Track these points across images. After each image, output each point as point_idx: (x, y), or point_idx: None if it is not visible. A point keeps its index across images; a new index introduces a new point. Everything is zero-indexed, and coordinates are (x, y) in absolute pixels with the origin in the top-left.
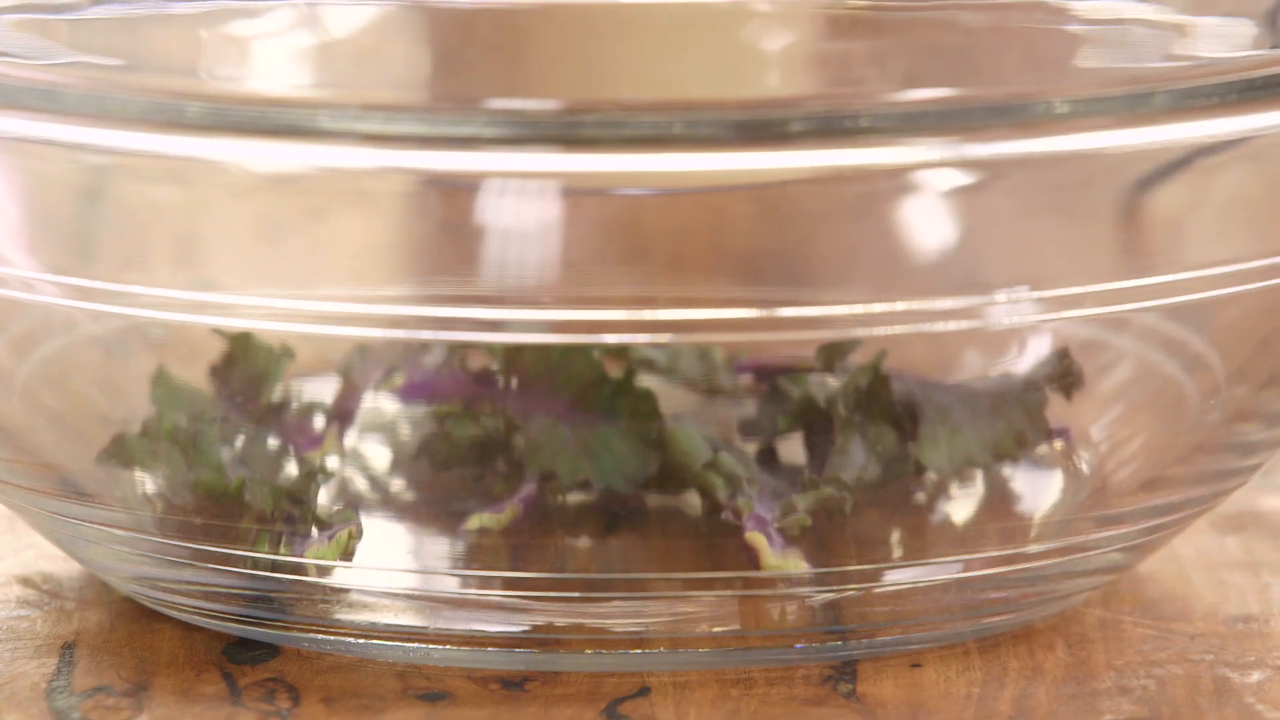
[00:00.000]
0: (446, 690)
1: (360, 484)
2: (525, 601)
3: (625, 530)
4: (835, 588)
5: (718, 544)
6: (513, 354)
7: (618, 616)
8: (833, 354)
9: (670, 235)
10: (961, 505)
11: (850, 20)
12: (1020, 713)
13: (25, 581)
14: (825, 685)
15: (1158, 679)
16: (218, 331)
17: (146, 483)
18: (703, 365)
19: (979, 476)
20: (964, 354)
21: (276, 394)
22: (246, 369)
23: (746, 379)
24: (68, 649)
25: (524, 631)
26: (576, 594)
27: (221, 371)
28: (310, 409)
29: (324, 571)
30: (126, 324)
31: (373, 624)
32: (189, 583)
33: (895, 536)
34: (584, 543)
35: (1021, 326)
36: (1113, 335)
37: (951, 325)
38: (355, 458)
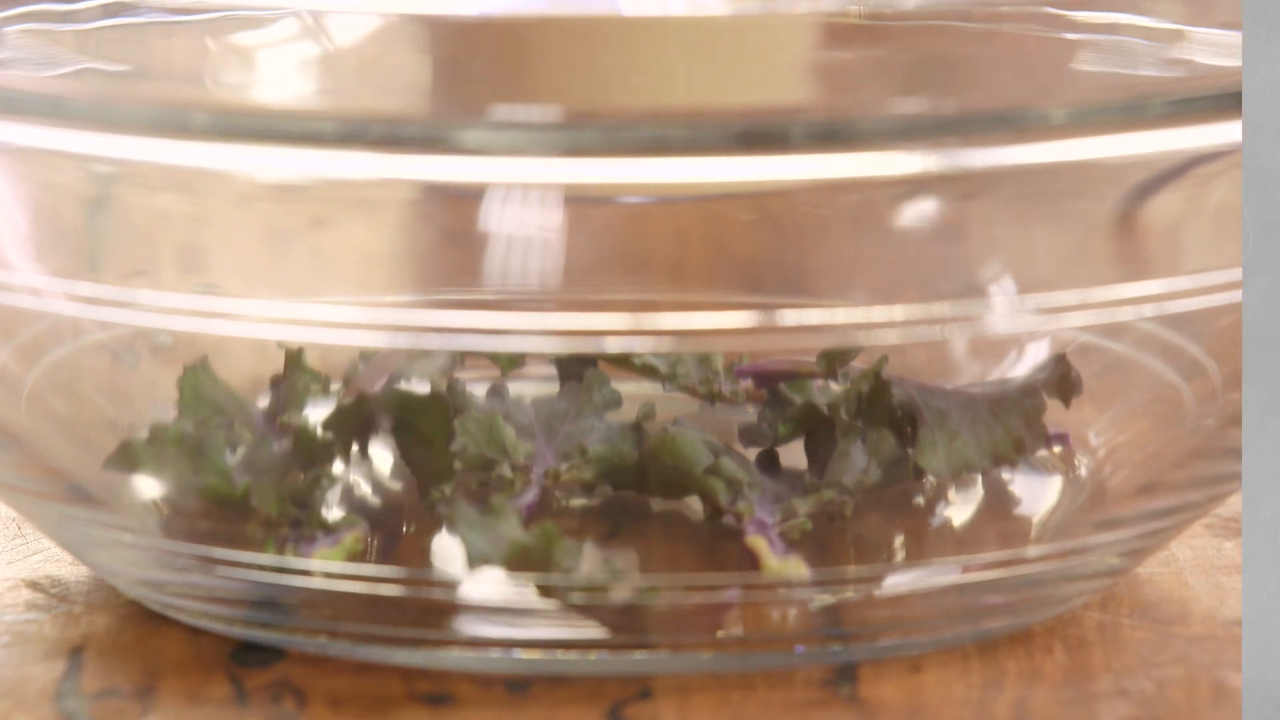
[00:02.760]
0: (451, 693)
1: (365, 489)
2: (529, 605)
3: (627, 534)
4: (836, 591)
5: (719, 548)
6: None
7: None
8: (834, 360)
9: (671, 242)
10: (961, 509)
11: (849, 30)
12: (1019, 715)
13: (34, 585)
14: (826, 688)
15: (1156, 681)
16: (281, 345)
17: (153, 488)
18: (704, 371)
19: (978, 481)
20: (963, 360)
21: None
22: (290, 386)
23: (747, 385)
24: (76, 652)
25: (528, 635)
26: (579, 597)
27: (272, 384)
28: None
29: (330, 575)
30: (133, 331)
31: (378, 627)
32: (196, 587)
33: (895, 540)
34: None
35: (1020, 333)
36: (1110, 341)
37: (951, 331)
38: (360, 463)
